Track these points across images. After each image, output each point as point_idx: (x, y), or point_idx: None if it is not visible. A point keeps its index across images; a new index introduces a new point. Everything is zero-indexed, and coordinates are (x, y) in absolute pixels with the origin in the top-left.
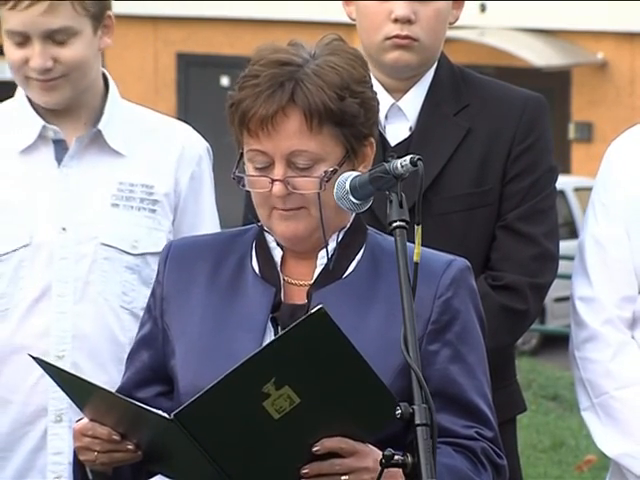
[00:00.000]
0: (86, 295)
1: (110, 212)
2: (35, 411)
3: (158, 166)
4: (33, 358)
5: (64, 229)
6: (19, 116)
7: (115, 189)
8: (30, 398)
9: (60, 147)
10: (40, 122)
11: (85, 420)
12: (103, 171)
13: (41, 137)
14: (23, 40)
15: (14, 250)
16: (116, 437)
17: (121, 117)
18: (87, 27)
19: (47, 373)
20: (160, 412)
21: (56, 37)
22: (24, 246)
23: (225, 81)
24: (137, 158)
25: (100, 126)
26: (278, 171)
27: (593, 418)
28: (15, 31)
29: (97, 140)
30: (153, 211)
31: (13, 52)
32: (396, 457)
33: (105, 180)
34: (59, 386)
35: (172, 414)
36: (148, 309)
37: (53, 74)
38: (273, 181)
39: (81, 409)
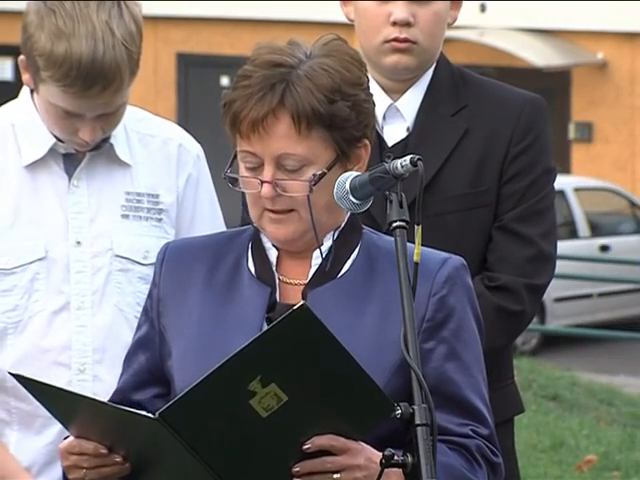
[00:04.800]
0: (103, 308)
1: (121, 223)
2: None
3: (160, 173)
4: (12, 375)
5: (79, 243)
6: (31, 129)
7: (123, 200)
8: None
9: (69, 160)
10: (52, 138)
11: (70, 438)
12: (111, 182)
13: (51, 151)
14: None
15: (29, 263)
16: (103, 451)
17: (123, 124)
18: None
19: (27, 389)
20: (145, 413)
21: None
22: (39, 259)
23: (225, 81)
24: (140, 167)
25: (112, 140)
26: (267, 173)
27: None
28: None
29: (107, 152)
30: (159, 220)
31: None
32: (396, 457)
33: (114, 191)
34: (41, 403)
35: (157, 413)
36: (145, 311)
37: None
38: (262, 182)
39: (66, 427)
